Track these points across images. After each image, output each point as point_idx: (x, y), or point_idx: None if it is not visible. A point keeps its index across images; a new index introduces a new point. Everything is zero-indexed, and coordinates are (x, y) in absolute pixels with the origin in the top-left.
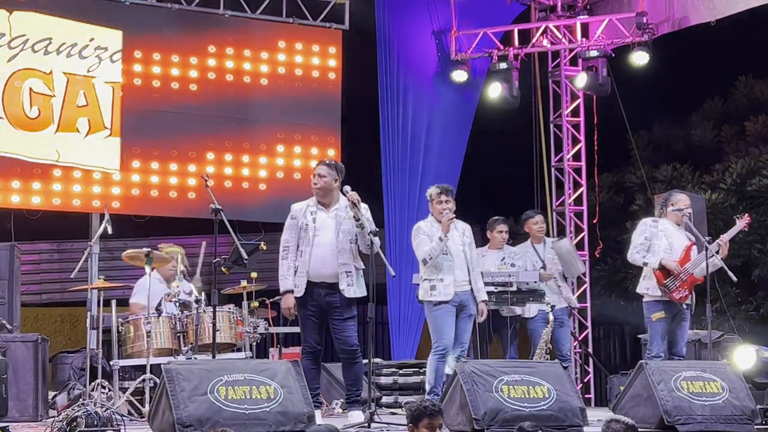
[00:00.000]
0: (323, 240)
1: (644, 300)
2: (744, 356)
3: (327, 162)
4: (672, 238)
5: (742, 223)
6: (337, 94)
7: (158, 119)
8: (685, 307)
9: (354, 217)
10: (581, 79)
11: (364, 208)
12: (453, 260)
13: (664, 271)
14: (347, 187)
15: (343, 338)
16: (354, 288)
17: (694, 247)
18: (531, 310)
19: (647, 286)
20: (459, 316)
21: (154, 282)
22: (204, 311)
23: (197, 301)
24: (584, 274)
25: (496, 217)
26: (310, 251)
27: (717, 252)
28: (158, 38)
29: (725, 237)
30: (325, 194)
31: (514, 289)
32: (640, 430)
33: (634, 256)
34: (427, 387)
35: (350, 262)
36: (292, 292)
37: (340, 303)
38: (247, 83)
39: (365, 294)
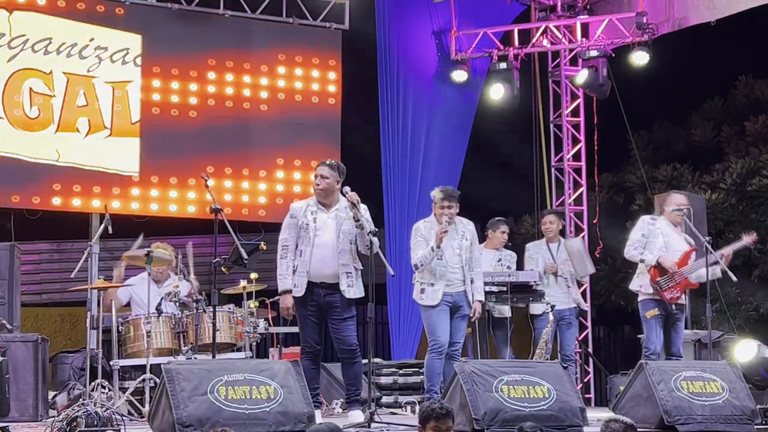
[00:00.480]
0: (324, 240)
1: (639, 298)
2: (745, 349)
3: (329, 162)
4: (668, 238)
5: (748, 239)
6: (337, 108)
7: (158, 126)
8: (675, 308)
9: (353, 217)
10: (581, 76)
11: (363, 208)
12: (446, 266)
13: (659, 268)
14: (347, 188)
15: (342, 338)
16: (354, 289)
17: (694, 254)
18: (537, 307)
19: (640, 284)
20: (453, 316)
21: (144, 283)
22: (204, 311)
23: (197, 301)
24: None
25: (498, 218)
26: (311, 251)
27: (719, 260)
28: (160, 46)
29: (729, 249)
30: (327, 195)
31: (509, 286)
32: (640, 430)
33: (630, 252)
34: (426, 386)
35: (350, 263)
36: (290, 292)
37: (339, 303)
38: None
39: (363, 295)
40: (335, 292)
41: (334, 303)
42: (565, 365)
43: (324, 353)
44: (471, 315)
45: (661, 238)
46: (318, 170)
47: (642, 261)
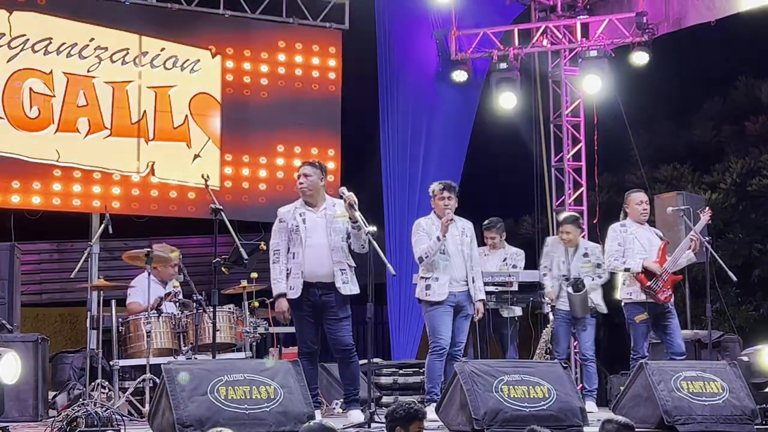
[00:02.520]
0: (316, 240)
1: (625, 302)
2: None
3: (311, 161)
4: (642, 240)
5: (706, 216)
6: (337, 96)
7: None
8: (663, 307)
9: (350, 218)
10: (593, 83)
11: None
12: (449, 259)
13: (646, 273)
14: (343, 189)
15: (338, 338)
16: (349, 285)
17: (668, 246)
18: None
19: (629, 292)
20: (456, 316)
21: (151, 283)
22: (204, 311)
23: (197, 301)
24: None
25: (487, 221)
26: (304, 252)
27: (689, 248)
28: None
29: (694, 233)
30: (312, 194)
31: (514, 288)
32: (640, 430)
33: (613, 263)
34: (426, 387)
35: (344, 260)
36: (284, 295)
37: (335, 302)
38: (247, 83)
39: (359, 292)
40: (331, 292)
41: (330, 302)
42: (566, 365)
43: (324, 353)
44: (474, 315)
45: (637, 243)
46: (301, 170)
47: (627, 270)
